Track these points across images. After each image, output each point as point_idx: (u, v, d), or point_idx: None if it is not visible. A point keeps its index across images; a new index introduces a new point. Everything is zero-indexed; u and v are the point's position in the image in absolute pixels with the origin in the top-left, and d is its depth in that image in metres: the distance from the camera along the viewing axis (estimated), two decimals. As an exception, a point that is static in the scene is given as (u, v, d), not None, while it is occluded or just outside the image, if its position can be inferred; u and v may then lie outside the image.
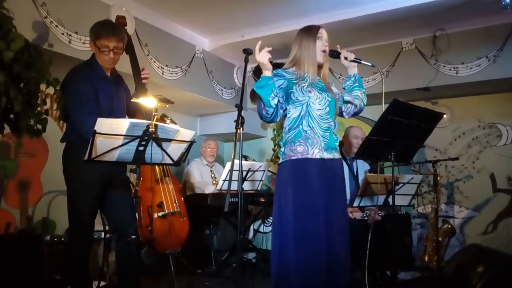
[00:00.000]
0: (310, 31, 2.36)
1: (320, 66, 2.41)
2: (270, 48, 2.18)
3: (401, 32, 4.30)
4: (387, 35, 4.36)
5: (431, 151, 4.71)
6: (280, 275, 2.19)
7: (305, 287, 2.12)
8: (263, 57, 2.16)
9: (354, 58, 2.38)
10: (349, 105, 2.45)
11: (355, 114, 2.51)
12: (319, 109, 2.29)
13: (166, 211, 3.34)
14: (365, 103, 2.46)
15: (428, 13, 3.80)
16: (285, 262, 2.18)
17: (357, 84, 2.43)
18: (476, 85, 4.19)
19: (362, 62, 2.40)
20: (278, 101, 2.22)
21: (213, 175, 4.72)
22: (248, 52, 2.35)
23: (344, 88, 2.48)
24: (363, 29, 4.17)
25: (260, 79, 2.21)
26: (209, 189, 4.37)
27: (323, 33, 2.37)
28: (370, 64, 2.38)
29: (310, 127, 2.27)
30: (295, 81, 2.30)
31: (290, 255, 2.16)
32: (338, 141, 2.40)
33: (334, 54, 2.39)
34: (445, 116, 4.40)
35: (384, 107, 2.45)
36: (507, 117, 4.48)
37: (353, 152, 3.70)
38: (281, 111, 2.29)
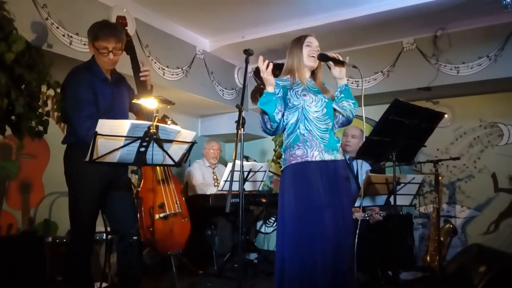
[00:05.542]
0: (298, 41, 2.40)
1: (313, 72, 2.44)
2: (272, 64, 2.19)
3: (402, 32, 4.29)
4: (388, 35, 4.35)
5: (433, 151, 4.70)
6: (283, 279, 2.19)
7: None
8: (268, 73, 2.19)
9: (340, 59, 2.32)
10: (337, 113, 2.40)
11: (343, 125, 2.46)
12: (316, 111, 2.30)
13: (168, 212, 3.34)
14: (354, 114, 2.39)
15: (429, 13, 3.79)
16: (287, 266, 2.17)
17: (343, 95, 2.36)
18: (477, 84, 4.18)
19: (346, 62, 2.32)
20: (282, 115, 2.27)
21: (215, 177, 4.71)
22: (249, 53, 2.35)
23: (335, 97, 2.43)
24: (364, 29, 4.17)
25: (264, 95, 2.23)
26: (211, 191, 4.37)
27: (311, 41, 2.39)
28: (352, 65, 2.31)
29: (307, 130, 2.28)
30: (289, 87, 2.33)
31: (292, 258, 2.16)
32: (340, 141, 2.40)
33: (322, 57, 2.34)
34: (446, 115, 4.35)
35: (364, 109, 2.27)
36: (509, 117, 4.48)
37: (346, 151, 3.70)
38: (282, 124, 2.32)
